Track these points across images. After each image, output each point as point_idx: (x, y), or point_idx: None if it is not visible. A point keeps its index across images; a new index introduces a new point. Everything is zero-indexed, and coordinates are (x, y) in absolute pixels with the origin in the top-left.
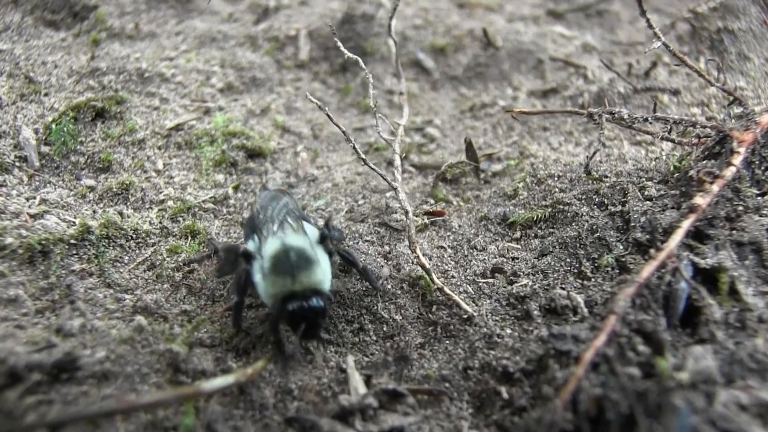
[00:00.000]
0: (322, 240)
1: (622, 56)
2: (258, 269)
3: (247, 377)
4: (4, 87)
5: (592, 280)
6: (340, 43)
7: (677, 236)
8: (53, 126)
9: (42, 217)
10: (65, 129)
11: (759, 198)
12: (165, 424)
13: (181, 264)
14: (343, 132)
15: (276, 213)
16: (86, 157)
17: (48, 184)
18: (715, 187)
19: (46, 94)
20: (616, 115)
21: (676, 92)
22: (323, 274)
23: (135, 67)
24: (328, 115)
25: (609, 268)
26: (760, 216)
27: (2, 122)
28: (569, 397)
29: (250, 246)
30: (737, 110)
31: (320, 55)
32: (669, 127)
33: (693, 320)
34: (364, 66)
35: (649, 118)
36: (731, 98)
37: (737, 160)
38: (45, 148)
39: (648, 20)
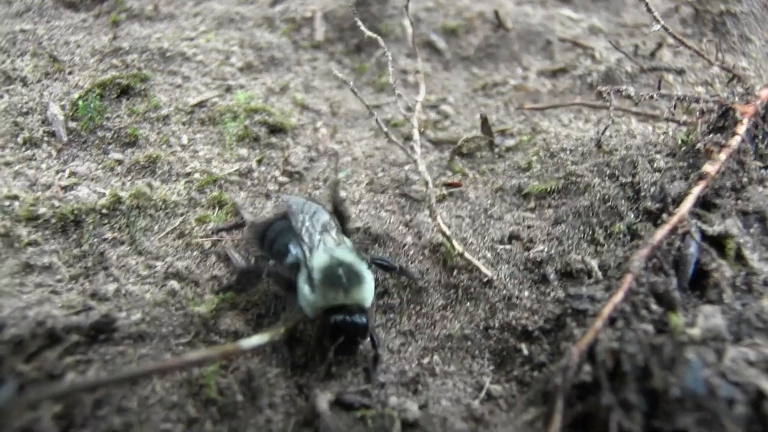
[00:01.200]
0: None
1: (627, 38)
2: (305, 280)
3: (280, 335)
4: (29, 66)
5: (605, 246)
6: (360, 22)
7: (688, 202)
8: (80, 102)
9: (73, 189)
10: (92, 105)
11: (763, 170)
12: (199, 382)
13: (210, 233)
14: (367, 106)
15: (316, 222)
16: (113, 132)
17: (76, 158)
18: (722, 156)
19: (70, 73)
20: (623, 93)
21: (680, 72)
22: (370, 291)
23: (157, 47)
24: (353, 90)
25: (621, 235)
26: (764, 187)
27: (29, 99)
28: (586, 348)
29: (291, 255)
30: (739, 89)
31: (335, 36)
32: (674, 104)
33: (702, 283)
34: (383, 44)
35: (655, 95)
36: (731, 76)
37: (741, 129)
38: (72, 124)
39: (647, 4)
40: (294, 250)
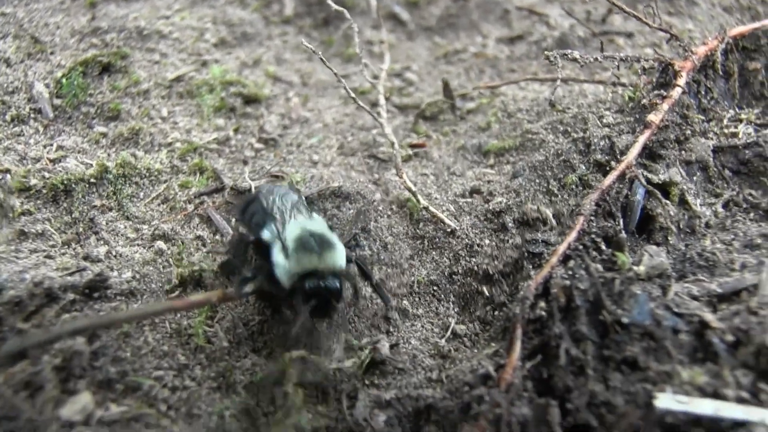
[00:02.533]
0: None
1: (581, 4)
2: (279, 251)
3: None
4: (12, 47)
5: (559, 196)
6: None
7: (635, 150)
8: (63, 80)
9: (61, 161)
10: (75, 83)
11: (705, 123)
12: (188, 332)
13: (192, 197)
14: (335, 74)
15: (286, 202)
16: (96, 107)
17: (63, 133)
18: (665, 105)
19: (52, 53)
20: (569, 56)
21: (630, 35)
22: (342, 257)
23: (134, 26)
24: (321, 59)
25: (573, 186)
26: (706, 139)
27: (14, 79)
28: (542, 282)
29: (266, 234)
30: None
31: (304, 11)
32: (617, 64)
33: (648, 227)
34: (349, 17)
35: (599, 57)
36: (670, 36)
37: (681, 82)
38: (57, 101)
39: None
40: (268, 228)
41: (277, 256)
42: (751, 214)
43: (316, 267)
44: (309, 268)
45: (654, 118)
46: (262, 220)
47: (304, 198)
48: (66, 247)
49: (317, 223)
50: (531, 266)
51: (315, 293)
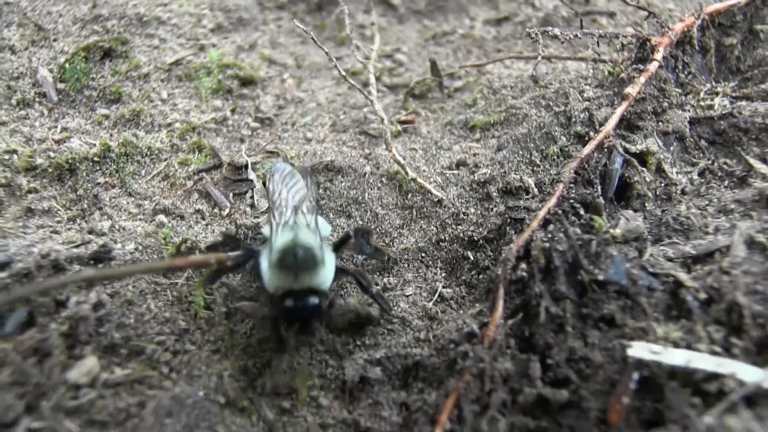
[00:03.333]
0: (337, 248)
1: None
2: (266, 257)
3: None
4: (16, 35)
5: (541, 166)
6: None
7: (613, 121)
8: (66, 65)
9: (66, 142)
10: (78, 67)
11: (682, 96)
12: (188, 300)
13: (192, 173)
14: (326, 53)
15: (291, 198)
16: (98, 91)
17: (67, 115)
18: (642, 79)
19: (55, 40)
20: (550, 33)
21: (612, 15)
22: (325, 276)
23: (134, 13)
24: (313, 39)
25: (555, 157)
26: (683, 111)
27: (19, 65)
28: (523, 245)
29: (265, 229)
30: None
31: None
32: (597, 41)
33: (626, 195)
34: (341, 2)
35: (579, 34)
36: (648, 13)
37: (658, 56)
38: (61, 85)
39: None
40: (265, 225)
41: (263, 262)
42: (726, 182)
43: (291, 287)
44: (284, 287)
45: (631, 90)
46: (269, 207)
47: (314, 193)
48: (71, 222)
49: (310, 233)
50: (513, 231)
51: (291, 313)
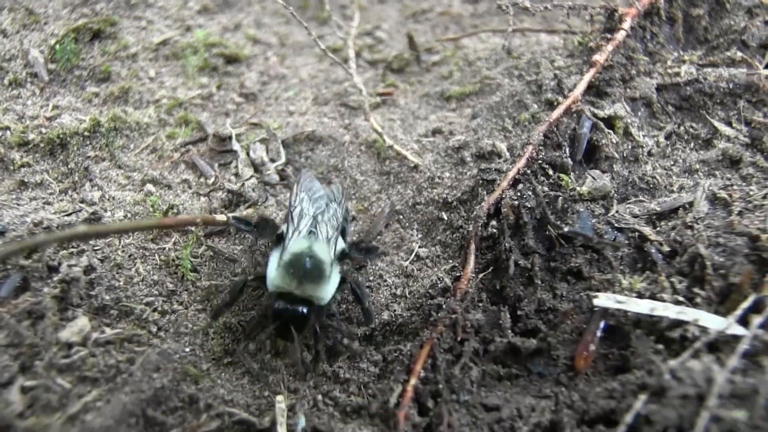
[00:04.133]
0: (342, 258)
1: None
2: (277, 256)
3: (243, 217)
4: (8, 19)
5: (513, 132)
6: None
7: (581, 86)
8: (57, 47)
9: (57, 118)
10: (68, 48)
11: (650, 65)
12: (176, 263)
13: (179, 146)
14: (306, 28)
15: (313, 208)
16: (88, 70)
17: (58, 94)
18: (609, 47)
19: (45, 23)
20: (520, 5)
21: None
22: (326, 291)
23: None
24: (293, 14)
25: (526, 123)
26: (651, 78)
27: (11, 47)
28: (493, 203)
29: (283, 228)
30: None
31: None
32: (567, 12)
33: (594, 158)
34: None
35: (548, 6)
36: None
37: (625, 25)
38: (52, 66)
39: None
40: (283, 224)
41: (272, 260)
42: (692, 144)
43: (292, 291)
44: (285, 289)
45: (599, 57)
46: (289, 209)
47: (342, 213)
48: (63, 194)
49: (326, 247)
50: (485, 192)
51: (278, 315)
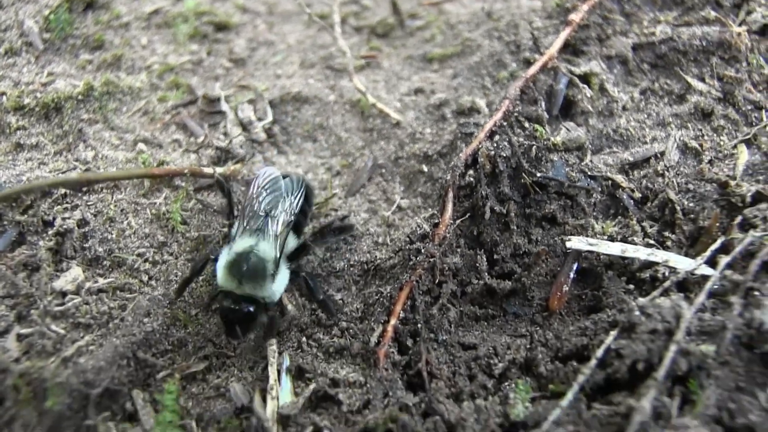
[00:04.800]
0: (300, 251)
1: None
2: (224, 254)
3: (230, 171)
4: None
5: (492, 90)
6: None
7: (557, 44)
8: (51, 16)
9: (52, 84)
10: (62, 18)
11: (627, 25)
12: (166, 216)
13: (170, 108)
14: None
15: (266, 207)
16: (82, 39)
17: (53, 62)
18: (585, 6)
19: None
20: None
21: None
22: (271, 290)
23: None
24: None
25: (505, 81)
26: (627, 37)
27: (6, 18)
28: (471, 154)
29: (233, 227)
30: None
31: None
32: None
33: (570, 113)
34: None
35: None
36: None
37: None
38: (46, 35)
39: None
40: (234, 222)
41: (221, 258)
42: (665, 99)
43: (233, 290)
44: (228, 288)
45: (574, 17)
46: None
47: (297, 206)
48: (58, 155)
49: (272, 245)
50: (464, 144)
51: (222, 314)
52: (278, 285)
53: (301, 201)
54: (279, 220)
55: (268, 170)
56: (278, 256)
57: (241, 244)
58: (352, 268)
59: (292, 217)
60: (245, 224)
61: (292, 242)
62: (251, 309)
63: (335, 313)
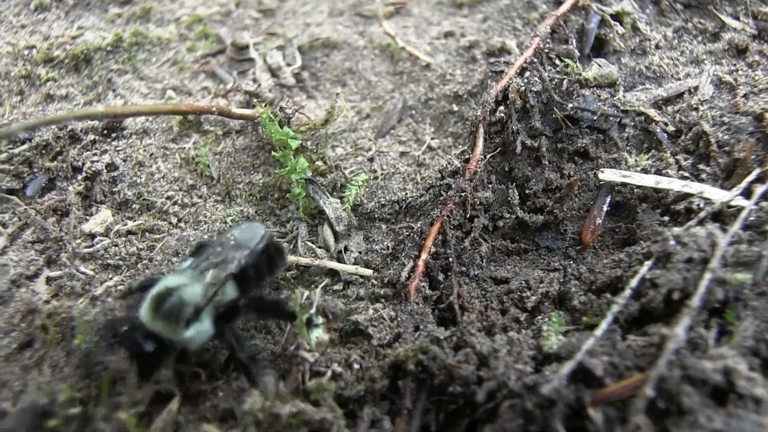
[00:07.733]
0: (233, 309)
1: None
2: (161, 282)
3: (258, 114)
4: None
5: (522, 31)
6: None
7: None
8: None
9: (81, 36)
10: None
11: None
12: (195, 161)
13: (199, 58)
14: None
15: (215, 258)
16: None
17: (82, 17)
18: None
19: None
20: None
21: None
22: (181, 335)
23: None
24: None
25: (535, 22)
26: None
27: None
28: (501, 90)
29: (184, 263)
30: None
31: None
32: None
33: (603, 52)
34: None
35: None
36: None
37: None
38: None
39: None
40: (187, 260)
41: (156, 287)
42: (699, 38)
43: (146, 323)
44: (142, 319)
45: None
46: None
47: (248, 261)
48: (87, 105)
49: (200, 293)
50: (494, 83)
51: (125, 343)
52: (194, 333)
53: (247, 260)
54: (222, 269)
55: (248, 225)
56: (203, 304)
57: (176, 279)
58: (383, 208)
59: (234, 270)
60: (197, 261)
61: (231, 294)
62: (152, 349)
63: (253, 377)
